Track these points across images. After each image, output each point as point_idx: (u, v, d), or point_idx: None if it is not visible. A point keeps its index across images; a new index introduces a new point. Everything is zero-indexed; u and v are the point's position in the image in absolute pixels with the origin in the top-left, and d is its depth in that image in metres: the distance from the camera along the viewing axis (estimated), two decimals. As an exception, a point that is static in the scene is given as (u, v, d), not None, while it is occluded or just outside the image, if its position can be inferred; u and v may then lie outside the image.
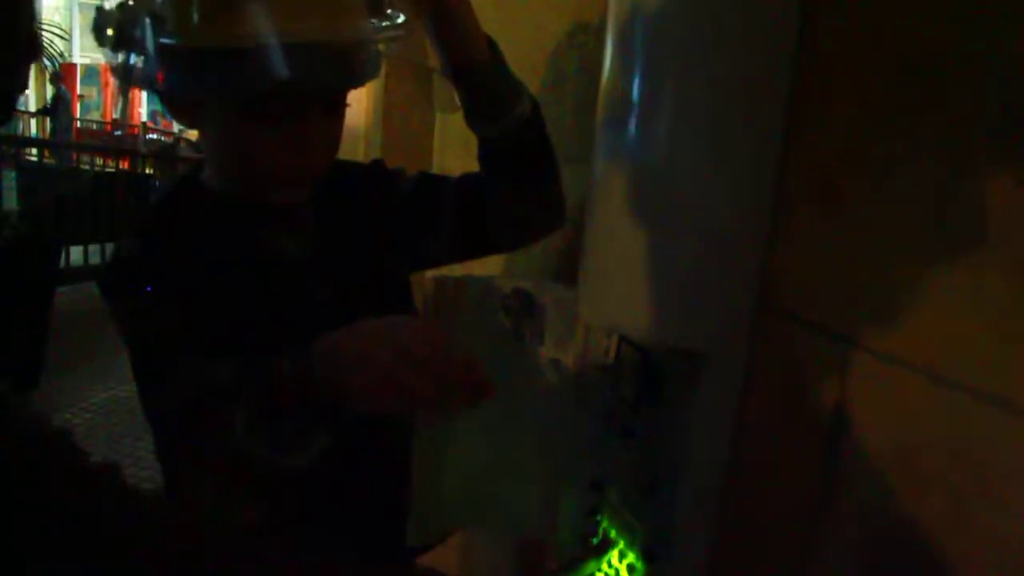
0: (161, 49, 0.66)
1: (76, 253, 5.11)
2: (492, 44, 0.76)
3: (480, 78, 0.76)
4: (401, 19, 0.71)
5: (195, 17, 0.64)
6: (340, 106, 0.76)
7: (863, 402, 0.46)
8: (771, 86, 0.55)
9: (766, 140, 0.55)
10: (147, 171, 6.15)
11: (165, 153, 6.44)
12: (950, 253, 0.40)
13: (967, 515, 0.39)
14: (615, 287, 0.64)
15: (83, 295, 4.66)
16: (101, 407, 3.46)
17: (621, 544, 0.68)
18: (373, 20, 0.71)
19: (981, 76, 0.39)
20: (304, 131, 0.72)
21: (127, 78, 0.70)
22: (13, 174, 4.83)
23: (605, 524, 0.71)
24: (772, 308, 0.55)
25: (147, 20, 0.67)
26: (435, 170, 2.00)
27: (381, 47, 0.73)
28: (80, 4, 15.45)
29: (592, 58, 0.86)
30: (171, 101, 0.74)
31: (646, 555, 0.64)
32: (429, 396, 0.58)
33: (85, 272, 5.07)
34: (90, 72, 15.82)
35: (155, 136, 8.98)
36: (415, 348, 0.58)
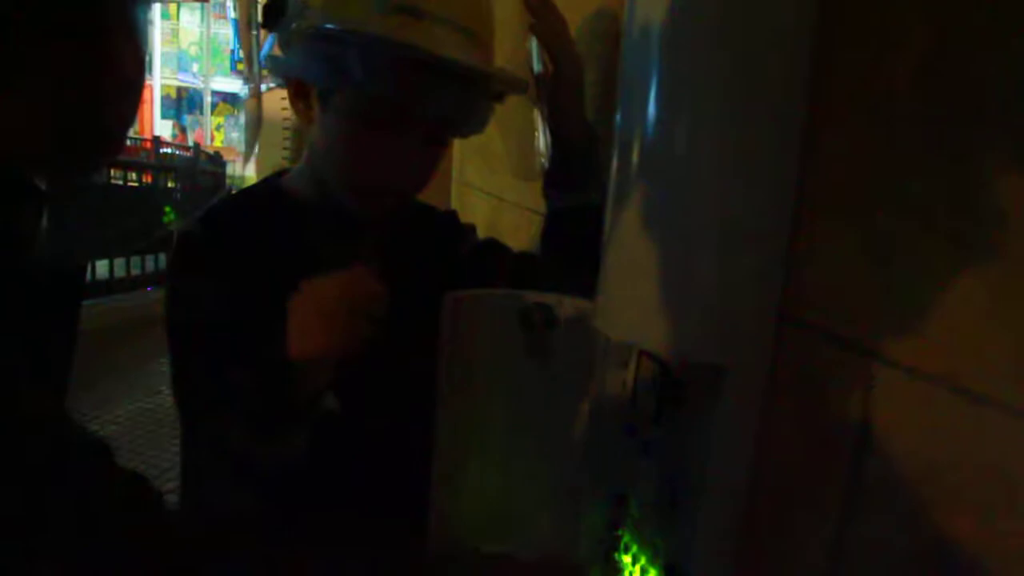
0: (315, 35, 0.74)
1: (102, 267, 5.18)
2: (591, 127, 0.84)
3: (572, 154, 0.83)
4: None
5: (360, 12, 0.72)
6: (444, 145, 0.84)
7: (888, 416, 0.45)
8: (790, 95, 0.54)
9: (786, 149, 0.54)
10: (169, 184, 6.24)
11: (187, 167, 6.51)
12: (976, 264, 0.39)
13: (997, 533, 0.38)
14: (634, 300, 0.63)
15: (108, 309, 4.73)
16: (126, 420, 3.50)
17: (643, 560, 0.67)
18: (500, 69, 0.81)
19: (1006, 83, 0.38)
20: (406, 148, 0.78)
21: (277, 68, 0.79)
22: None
23: (627, 539, 0.70)
24: (794, 320, 0.54)
25: (312, 10, 0.74)
26: (454, 181, 2.01)
27: (495, 104, 0.83)
28: (108, 22, 15.74)
29: (609, 69, 0.86)
30: (300, 92, 0.81)
31: (668, 570, 0.63)
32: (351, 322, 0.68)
33: (110, 286, 5.14)
34: (118, 88, 16.09)
35: (169, 151, 9.17)
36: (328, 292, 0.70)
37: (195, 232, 0.82)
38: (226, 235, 0.82)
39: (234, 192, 0.95)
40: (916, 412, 0.43)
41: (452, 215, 0.96)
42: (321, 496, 0.76)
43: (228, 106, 16.17)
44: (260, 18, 0.78)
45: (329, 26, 0.72)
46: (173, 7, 15.40)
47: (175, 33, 16.26)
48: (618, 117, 0.62)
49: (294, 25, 0.74)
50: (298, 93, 0.81)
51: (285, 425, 0.69)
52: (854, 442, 0.47)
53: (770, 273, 0.57)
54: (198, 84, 15.88)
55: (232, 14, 15.10)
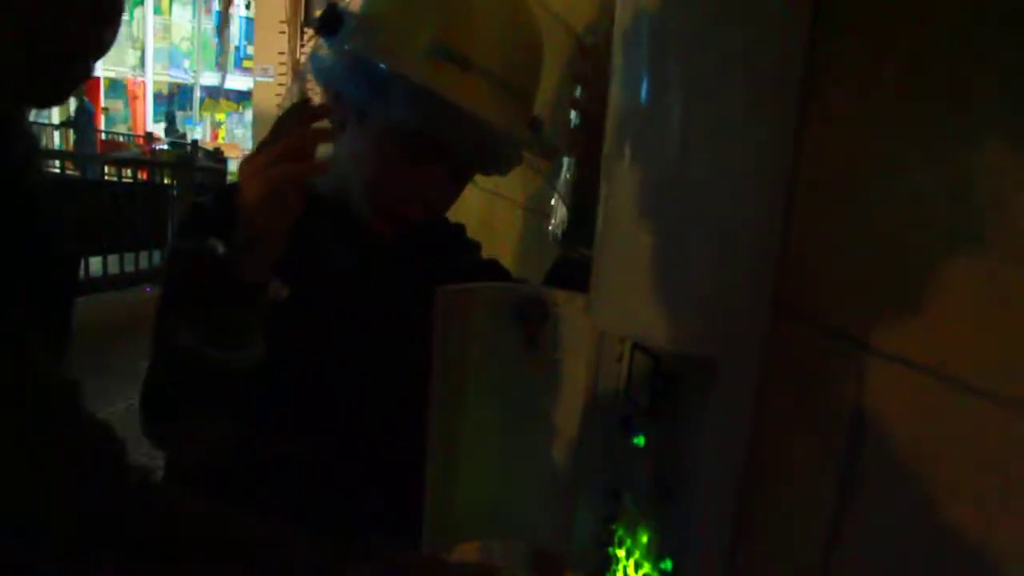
0: (367, 62, 0.75)
1: (95, 264, 5.17)
2: None
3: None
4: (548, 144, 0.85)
5: (412, 54, 0.74)
6: (468, 179, 0.86)
7: (882, 407, 0.45)
8: (782, 85, 0.54)
9: (778, 140, 0.54)
10: (165, 181, 6.21)
11: (184, 163, 6.48)
12: (970, 254, 0.39)
13: (992, 524, 0.38)
14: (627, 293, 0.63)
15: (103, 306, 4.71)
16: (121, 416, 3.49)
17: (637, 554, 0.67)
18: (527, 131, 0.83)
19: (996, 71, 0.38)
20: (429, 178, 0.80)
21: (319, 71, 0.80)
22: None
23: (621, 532, 0.70)
24: (787, 312, 0.54)
25: (361, 28, 0.76)
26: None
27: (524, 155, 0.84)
28: (102, 19, 15.68)
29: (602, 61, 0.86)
30: (338, 97, 0.81)
31: (662, 564, 0.63)
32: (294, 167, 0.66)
33: (104, 283, 5.13)
34: (114, 85, 16.08)
35: (163, 147, 9.17)
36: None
37: (204, 202, 0.83)
38: (234, 209, 0.81)
39: None
40: (909, 402, 0.42)
41: (460, 228, 0.97)
42: (312, 493, 0.76)
43: (214, 101, 16.13)
44: (313, 21, 0.78)
45: (380, 65, 0.74)
46: (165, 1, 15.34)
47: (167, 29, 16.20)
48: (610, 111, 0.62)
49: (347, 46, 0.76)
50: (336, 102, 0.82)
51: (235, 312, 0.68)
52: (848, 432, 0.47)
53: (762, 266, 0.57)
54: (188, 80, 15.81)
55: (216, 6, 15.01)
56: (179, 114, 15.84)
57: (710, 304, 0.59)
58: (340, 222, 0.83)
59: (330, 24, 0.76)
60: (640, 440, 0.67)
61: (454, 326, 0.74)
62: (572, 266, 0.86)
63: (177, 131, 13.09)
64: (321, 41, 0.79)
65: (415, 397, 0.74)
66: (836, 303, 0.49)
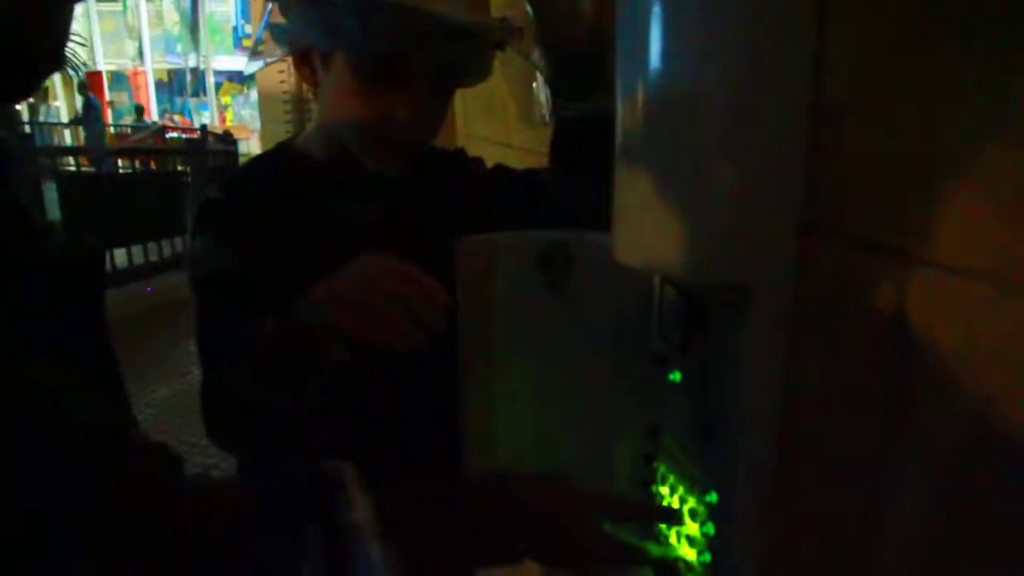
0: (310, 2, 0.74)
1: (120, 256, 5.23)
2: (592, 29, 0.83)
3: (571, 61, 0.84)
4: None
5: None
6: (449, 94, 0.84)
7: (926, 317, 0.43)
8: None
9: (798, 45, 0.51)
10: (178, 168, 6.23)
11: (195, 148, 6.49)
12: (1013, 150, 0.37)
13: (1049, 426, 0.36)
14: (648, 225, 0.61)
15: (131, 296, 4.78)
16: (163, 402, 3.56)
17: (681, 490, 0.67)
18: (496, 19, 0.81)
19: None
20: (412, 98, 0.79)
21: (281, 38, 0.80)
22: (53, 185, 4.92)
23: (663, 470, 0.70)
24: (817, 229, 0.52)
25: None
26: (459, 135, 1.97)
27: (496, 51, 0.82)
28: (99, 12, 15.62)
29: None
30: (303, 58, 0.82)
31: (707, 497, 0.63)
32: (398, 319, 0.63)
33: (131, 273, 5.19)
34: (117, 78, 16.08)
35: (174, 135, 9.18)
36: (380, 278, 0.65)
37: (216, 196, 0.84)
38: (246, 196, 0.83)
39: (249, 159, 0.96)
40: (956, 311, 0.41)
41: (459, 152, 0.97)
42: (345, 447, 0.77)
43: (234, 84, 16.04)
44: None
45: None
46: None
47: (159, 15, 16.07)
48: (618, 32, 0.60)
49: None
50: (302, 59, 0.82)
51: (295, 374, 0.69)
52: (891, 346, 0.45)
53: (788, 186, 0.54)
54: (181, 64, 15.70)
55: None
56: (178, 100, 15.81)
57: (734, 231, 0.57)
58: (341, 175, 0.84)
59: None
60: (676, 376, 0.66)
61: (476, 277, 0.73)
62: (570, 126, 0.86)
63: (145, 123, 12.75)
64: (271, 8, 0.80)
65: (447, 340, 0.74)
66: (870, 214, 0.47)
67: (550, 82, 0.88)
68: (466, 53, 0.79)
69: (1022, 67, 0.36)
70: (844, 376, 0.50)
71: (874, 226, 0.46)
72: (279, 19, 0.79)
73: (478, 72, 0.83)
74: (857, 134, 0.48)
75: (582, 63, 0.82)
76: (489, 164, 0.98)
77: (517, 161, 1.28)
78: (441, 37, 0.74)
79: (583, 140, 0.79)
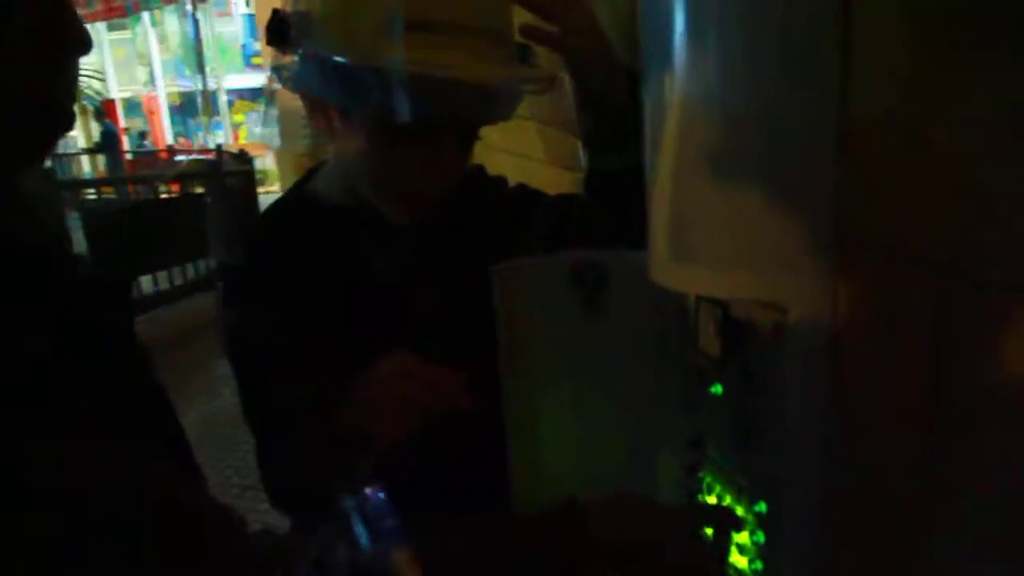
0: (328, 61, 0.72)
1: (145, 283, 5.30)
2: (624, 76, 0.79)
3: (604, 113, 0.81)
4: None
5: (369, 38, 0.69)
6: (474, 137, 0.82)
7: (963, 331, 0.44)
8: (822, 18, 0.52)
9: (826, 71, 0.52)
10: (197, 190, 6.30)
11: (213, 171, 6.57)
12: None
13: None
14: (685, 247, 0.62)
15: (158, 322, 4.85)
16: (198, 424, 3.61)
17: (728, 499, 0.68)
18: (520, 67, 0.79)
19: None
20: (438, 154, 0.78)
21: (288, 82, 0.77)
22: (77, 215, 4.99)
23: (709, 480, 0.71)
24: (856, 245, 0.53)
25: (311, 30, 0.73)
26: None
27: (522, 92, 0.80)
28: (111, 41, 15.84)
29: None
30: (318, 107, 0.79)
31: (756, 507, 0.64)
32: (426, 399, 0.68)
33: (157, 299, 5.26)
34: (131, 105, 16.29)
35: (183, 158, 9.26)
36: (408, 364, 0.69)
37: (240, 263, 0.83)
38: (271, 261, 0.81)
39: (267, 210, 0.91)
40: (992, 325, 0.42)
41: (479, 170, 0.94)
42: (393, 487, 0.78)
43: (246, 102, 16.13)
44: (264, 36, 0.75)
45: (342, 59, 0.71)
46: (158, 13, 15.35)
47: (163, 39, 16.21)
48: (644, 61, 0.61)
49: (301, 49, 0.72)
50: (315, 107, 0.79)
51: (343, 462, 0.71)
52: (930, 361, 0.46)
53: (820, 204, 0.56)
54: (192, 87, 15.81)
55: (244, 9, 14.92)
56: (192, 121, 15.93)
57: (769, 246, 0.58)
58: (365, 226, 0.82)
59: (279, 32, 0.73)
60: (717, 388, 0.67)
61: (513, 304, 0.75)
62: (602, 176, 0.85)
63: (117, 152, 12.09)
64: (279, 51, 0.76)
65: (489, 378, 0.75)
66: (910, 230, 0.48)
67: (583, 132, 0.85)
68: (488, 104, 0.77)
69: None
70: (887, 390, 0.51)
71: (911, 241, 0.48)
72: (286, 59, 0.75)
73: (503, 114, 0.80)
74: (887, 147, 0.49)
75: (613, 113, 0.80)
76: (509, 178, 0.97)
77: (536, 174, 1.29)
78: (464, 95, 0.72)
79: (616, 190, 0.77)
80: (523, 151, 1.51)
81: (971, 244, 0.43)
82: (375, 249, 0.82)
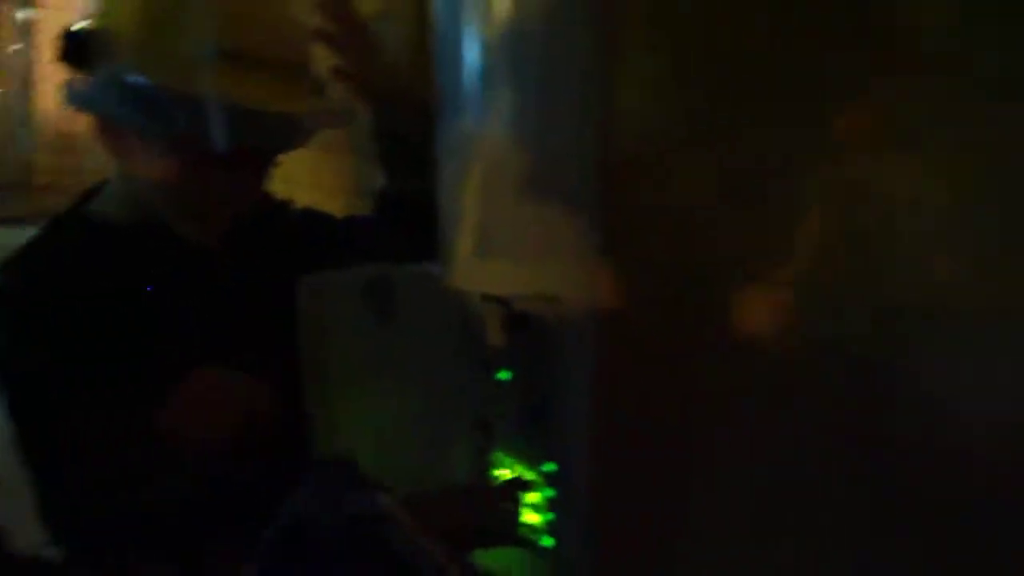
0: (132, 83, 0.71)
1: None
2: (416, 102, 0.84)
3: (404, 144, 0.87)
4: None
5: (180, 64, 0.70)
6: (273, 163, 0.85)
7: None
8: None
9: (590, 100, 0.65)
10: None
11: None
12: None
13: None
14: (466, 250, 0.73)
15: None
16: None
17: (520, 469, 0.80)
18: (321, 100, 0.84)
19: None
20: (240, 179, 0.81)
21: (79, 100, 0.75)
22: None
23: (499, 456, 0.82)
24: (616, 251, 0.67)
25: (113, 50, 0.72)
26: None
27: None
28: None
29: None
30: (108, 127, 0.77)
31: (544, 468, 0.76)
32: (232, 407, 0.76)
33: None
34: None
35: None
36: (214, 377, 0.76)
37: (13, 290, 0.78)
38: (53, 290, 0.77)
39: (41, 230, 0.84)
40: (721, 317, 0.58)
41: (265, 193, 0.95)
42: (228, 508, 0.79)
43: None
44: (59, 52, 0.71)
45: (149, 82, 0.71)
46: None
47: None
48: (438, 71, 0.70)
49: (104, 67, 0.71)
50: (106, 127, 0.77)
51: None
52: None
53: (586, 217, 0.69)
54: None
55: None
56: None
57: (540, 250, 0.71)
58: (164, 248, 0.82)
59: (77, 52, 0.72)
60: (504, 374, 0.79)
61: (315, 313, 0.80)
62: (395, 198, 0.93)
63: None
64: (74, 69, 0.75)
65: (294, 385, 0.79)
66: (662, 246, 0.63)
67: (378, 158, 0.92)
68: (291, 134, 0.81)
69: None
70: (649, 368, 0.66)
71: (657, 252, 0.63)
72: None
73: (301, 142, 0.85)
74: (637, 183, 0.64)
75: (410, 142, 0.86)
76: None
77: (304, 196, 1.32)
78: (267, 126, 0.76)
79: (408, 210, 0.85)
80: (299, 178, 1.52)
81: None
82: (175, 270, 0.82)
